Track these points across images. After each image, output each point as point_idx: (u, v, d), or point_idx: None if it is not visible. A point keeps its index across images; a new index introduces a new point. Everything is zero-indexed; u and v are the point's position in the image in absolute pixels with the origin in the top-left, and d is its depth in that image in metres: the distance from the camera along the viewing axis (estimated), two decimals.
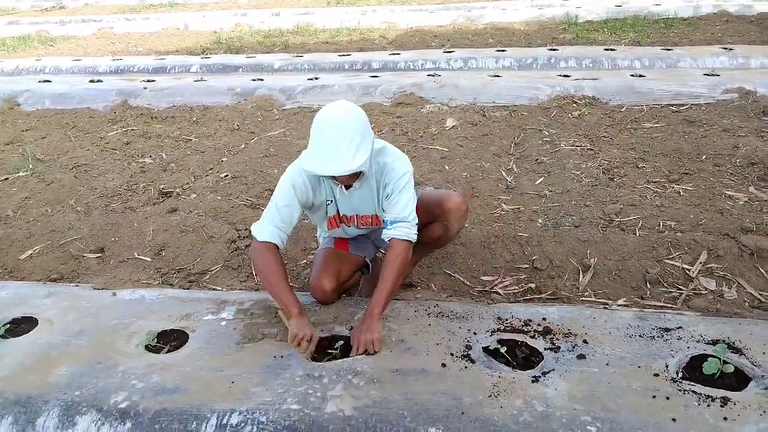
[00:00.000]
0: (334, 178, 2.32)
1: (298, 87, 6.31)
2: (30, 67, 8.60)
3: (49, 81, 7.51)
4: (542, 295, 2.88)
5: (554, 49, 7.33)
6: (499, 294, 2.91)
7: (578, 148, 4.45)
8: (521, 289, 2.94)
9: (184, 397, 2.08)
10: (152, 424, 2.01)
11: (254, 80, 6.75)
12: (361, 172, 2.28)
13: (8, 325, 2.53)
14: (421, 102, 5.61)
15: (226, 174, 4.29)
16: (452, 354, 2.19)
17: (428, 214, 2.57)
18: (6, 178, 4.57)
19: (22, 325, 2.58)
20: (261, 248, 2.37)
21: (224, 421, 1.98)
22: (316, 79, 6.57)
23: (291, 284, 2.47)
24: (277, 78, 6.96)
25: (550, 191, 3.81)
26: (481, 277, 3.03)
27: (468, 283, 2.99)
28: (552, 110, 5.30)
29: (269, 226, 2.38)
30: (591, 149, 4.43)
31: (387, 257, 2.39)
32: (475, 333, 2.30)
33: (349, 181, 2.33)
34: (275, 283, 2.35)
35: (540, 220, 3.42)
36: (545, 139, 4.71)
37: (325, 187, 2.46)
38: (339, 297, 2.66)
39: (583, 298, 2.83)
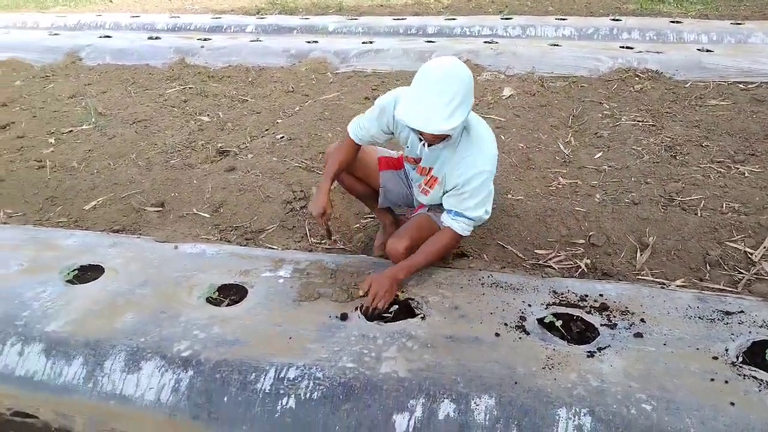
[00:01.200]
0: (420, 132, 2.25)
1: (352, 50, 6.27)
2: (91, 22, 8.80)
3: (110, 36, 7.67)
4: (597, 272, 2.84)
5: (617, 20, 7.07)
6: (553, 268, 2.88)
7: (640, 124, 4.32)
8: (575, 265, 2.91)
9: (244, 350, 2.16)
10: (213, 373, 2.09)
11: (309, 42, 6.75)
12: (448, 135, 2.21)
13: (76, 272, 2.64)
14: (477, 69, 5.51)
15: (282, 135, 4.33)
16: (506, 324, 2.19)
17: None
18: (70, 131, 4.73)
19: (89, 273, 2.69)
20: (346, 139, 2.60)
21: (282, 375, 2.04)
22: (371, 43, 6.52)
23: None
24: (331, 41, 6.94)
25: (609, 166, 3.72)
26: (535, 251, 3.00)
27: (521, 255, 2.98)
28: (613, 83, 5.14)
29: (356, 126, 2.56)
30: (653, 125, 4.29)
31: (435, 237, 2.41)
32: (529, 305, 2.29)
33: (434, 140, 2.25)
34: (330, 160, 2.57)
35: (598, 196, 3.35)
36: (605, 112, 4.58)
37: (411, 134, 2.42)
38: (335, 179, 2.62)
39: (640, 277, 2.78)
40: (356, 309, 2.33)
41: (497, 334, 2.14)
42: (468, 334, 2.15)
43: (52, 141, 4.57)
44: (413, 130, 2.32)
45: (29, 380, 2.22)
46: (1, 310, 2.44)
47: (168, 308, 2.41)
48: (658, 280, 2.75)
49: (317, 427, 1.94)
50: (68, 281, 2.60)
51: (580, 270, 2.85)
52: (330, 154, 2.64)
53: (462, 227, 2.39)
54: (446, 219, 2.42)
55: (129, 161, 4.14)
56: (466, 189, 2.33)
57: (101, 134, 4.59)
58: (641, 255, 2.92)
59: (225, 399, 2.04)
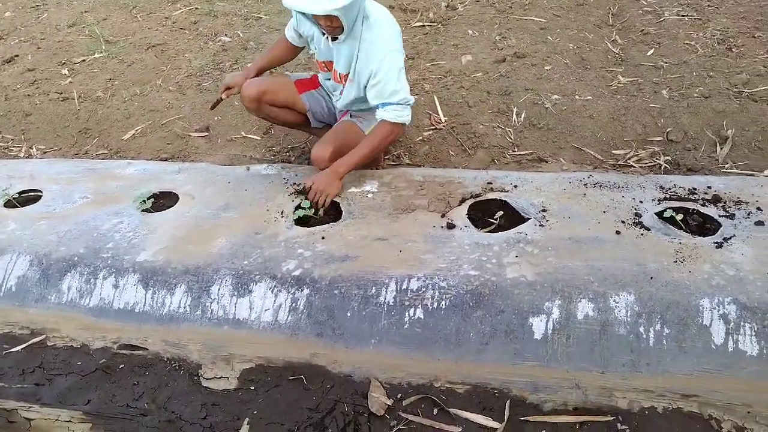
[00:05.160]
0: (318, 23, 2.28)
1: None
2: None
3: None
4: (681, 168, 2.77)
5: None
6: (634, 167, 2.81)
7: (685, 18, 4.14)
8: (656, 163, 2.83)
9: (357, 264, 2.08)
10: (330, 289, 2.02)
11: None
12: (341, 25, 2.20)
13: (152, 200, 2.51)
14: None
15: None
16: (623, 222, 2.13)
17: None
18: (83, 60, 4.43)
19: (161, 201, 2.56)
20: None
21: (404, 286, 1.98)
22: None
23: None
24: None
25: (666, 62, 3.59)
26: (613, 151, 2.91)
27: (599, 156, 2.89)
28: None
29: (288, 26, 2.64)
30: (699, 18, 4.12)
31: (373, 130, 2.43)
32: (641, 201, 2.23)
33: (330, 29, 2.25)
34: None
35: (665, 92, 3.24)
36: (645, 8, 4.38)
37: (316, 32, 2.45)
38: (259, 108, 2.65)
39: (725, 171, 2.72)
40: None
41: (618, 232, 2.08)
42: (586, 234, 2.09)
43: (66, 72, 4.27)
44: (315, 24, 2.34)
45: (130, 312, 2.13)
46: (81, 245, 2.31)
47: (261, 229, 2.30)
48: (745, 172, 2.69)
49: (450, 335, 1.89)
50: (144, 210, 2.47)
51: (662, 168, 2.78)
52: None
53: (394, 114, 2.34)
54: (378, 114, 2.37)
55: (157, 87, 3.90)
56: (381, 76, 2.29)
57: (118, 61, 4.30)
58: (721, 148, 2.85)
59: (348, 314, 1.98)
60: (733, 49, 3.68)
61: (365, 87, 2.41)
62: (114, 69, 4.22)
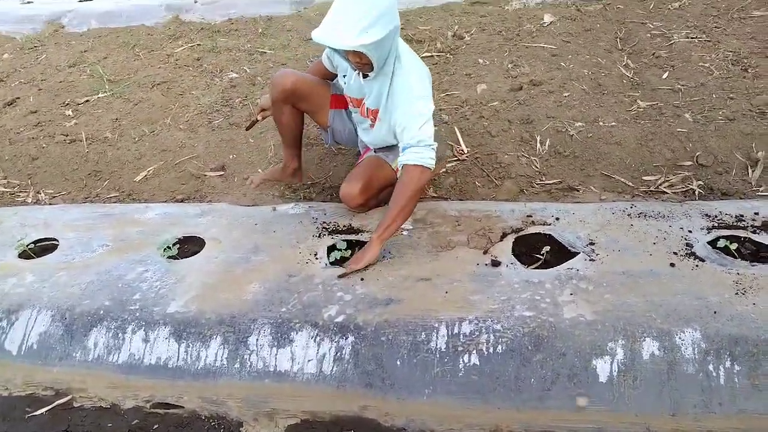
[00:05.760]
0: (348, 59, 2.22)
1: None
2: None
3: None
4: (715, 192, 2.72)
5: None
6: (667, 193, 2.75)
7: (695, 40, 4.15)
8: (688, 188, 2.78)
9: (402, 308, 1.98)
10: (377, 336, 1.91)
11: None
12: (373, 63, 2.14)
13: (177, 246, 2.40)
14: None
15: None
16: (675, 253, 2.05)
17: None
18: (87, 100, 4.34)
19: (186, 246, 2.45)
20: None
21: (455, 330, 1.88)
22: None
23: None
24: None
25: (683, 85, 3.56)
26: (643, 177, 2.86)
27: (630, 183, 2.83)
28: (649, 1, 4.93)
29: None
30: (708, 40, 4.12)
31: (398, 182, 2.24)
32: (689, 231, 2.16)
33: (359, 65, 2.20)
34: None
35: (687, 115, 3.20)
36: (653, 32, 4.39)
37: (348, 68, 2.38)
38: (285, 100, 2.56)
39: (760, 193, 2.67)
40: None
41: (672, 265, 2.00)
42: (640, 268, 2.01)
43: (70, 113, 4.18)
44: (344, 59, 2.28)
45: (163, 368, 2.01)
46: (106, 296, 2.20)
47: (295, 272, 2.20)
48: None
49: (509, 381, 1.79)
50: (170, 257, 2.36)
51: (697, 193, 2.72)
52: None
53: (416, 157, 2.21)
54: (400, 160, 2.26)
55: (166, 126, 3.81)
56: (410, 116, 2.22)
57: (123, 100, 4.22)
58: (753, 171, 2.80)
59: (398, 363, 1.87)
60: (749, 70, 3.67)
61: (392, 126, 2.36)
62: (120, 109, 4.14)
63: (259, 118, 2.66)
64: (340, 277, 2.15)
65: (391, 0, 2.07)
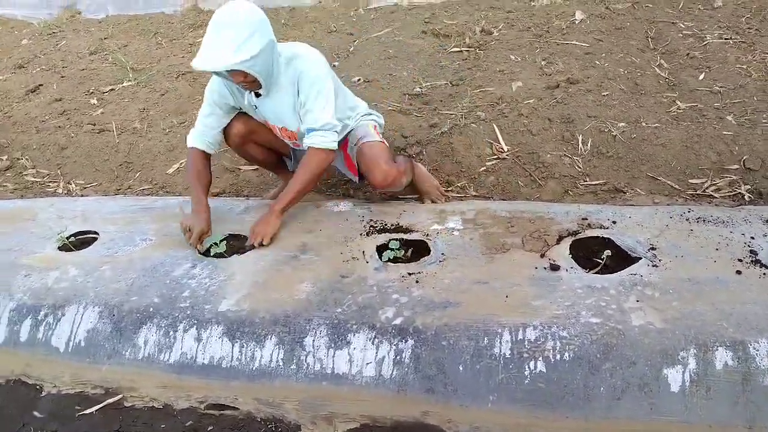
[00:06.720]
0: (231, 79, 2.23)
1: None
2: None
3: None
4: (764, 197, 2.67)
5: None
6: (714, 197, 2.71)
7: (729, 41, 4.09)
8: (736, 191, 2.73)
9: (461, 312, 1.93)
10: (438, 340, 1.87)
11: None
12: (258, 79, 2.16)
13: (225, 242, 2.35)
14: None
15: (358, 78, 3.98)
16: (740, 260, 2.01)
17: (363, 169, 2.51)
18: (111, 89, 4.28)
19: (232, 242, 2.41)
20: (189, 152, 2.52)
21: (519, 336, 1.84)
22: None
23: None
24: None
25: (721, 87, 3.51)
26: (689, 180, 2.81)
27: (677, 186, 2.78)
28: (679, 1, 4.87)
29: (195, 133, 2.51)
30: (743, 41, 4.07)
31: (301, 162, 2.36)
32: (752, 237, 2.11)
33: (249, 84, 2.22)
34: (191, 181, 2.47)
35: (730, 118, 3.16)
36: (684, 32, 4.33)
37: (245, 95, 2.39)
38: (245, 144, 2.60)
39: None
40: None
41: (738, 272, 1.96)
42: (706, 275, 1.97)
43: (95, 102, 4.12)
44: (232, 83, 2.28)
45: (217, 368, 1.97)
46: (154, 293, 2.15)
47: (346, 272, 2.16)
48: None
49: (577, 390, 1.75)
50: (216, 254, 2.31)
51: (746, 198, 2.68)
52: (189, 181, 2.52)
53: (320, 140, 2.29)
54: (305, 143, 2.34)
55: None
56: (311, 98, 2.26)
57: (149, 90, 4.16)
58: None
59: (460, 368, 1.83)
60: None
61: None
62: (146, 98, 4.08)
63: (199, 247, 2.37)
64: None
65: (261, 18, 2.12)
